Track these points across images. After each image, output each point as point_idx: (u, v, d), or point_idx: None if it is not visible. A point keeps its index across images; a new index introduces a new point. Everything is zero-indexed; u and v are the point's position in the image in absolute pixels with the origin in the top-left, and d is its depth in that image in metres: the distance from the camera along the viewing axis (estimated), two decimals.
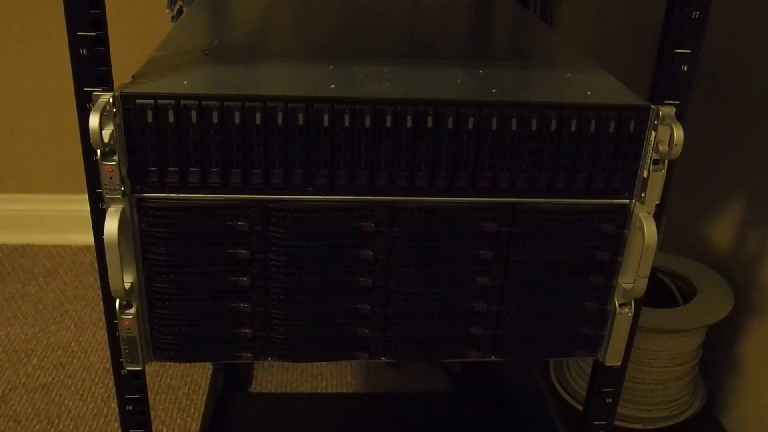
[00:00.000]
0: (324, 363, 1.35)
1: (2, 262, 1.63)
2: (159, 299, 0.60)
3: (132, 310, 0.60)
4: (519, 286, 0.62)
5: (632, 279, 0.62)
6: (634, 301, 0.64)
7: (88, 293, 1.53)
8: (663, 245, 1.08)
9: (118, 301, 0.59)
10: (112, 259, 0.56)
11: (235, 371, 1.31)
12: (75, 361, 1.33)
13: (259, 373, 1.33)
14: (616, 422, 0.90)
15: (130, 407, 0.66)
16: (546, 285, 0.62)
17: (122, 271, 0.57)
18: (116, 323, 0.61)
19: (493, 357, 0.66)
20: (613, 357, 0.66)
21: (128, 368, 0.63)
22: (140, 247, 0.58)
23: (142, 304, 0.60)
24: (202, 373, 1.31)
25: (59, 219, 1.70)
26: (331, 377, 1.33)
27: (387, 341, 0.64)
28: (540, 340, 0.65)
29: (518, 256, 0.61)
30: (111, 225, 0.55)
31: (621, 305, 0.64)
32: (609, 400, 0.71)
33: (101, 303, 0.61)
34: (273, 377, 1.32)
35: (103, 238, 0.55)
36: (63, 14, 0.52)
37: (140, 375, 0.65)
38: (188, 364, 1.33)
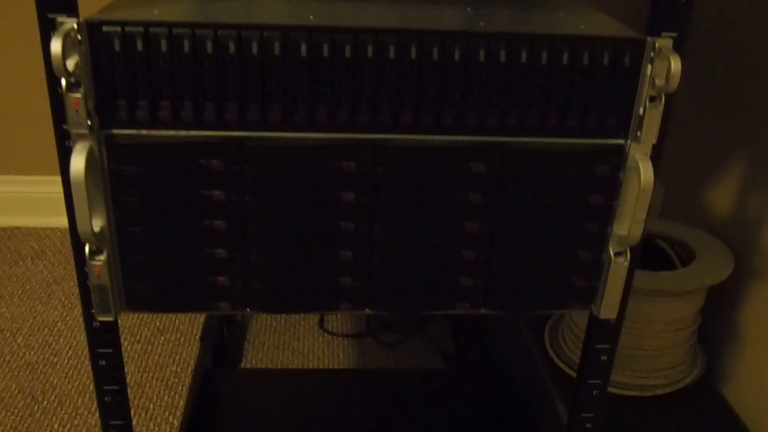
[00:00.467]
0: (315, 341, 1.33)
1: None
2: (130, 244, 0.57)
3: (102, 257, 0.57)
4: (509, 233, 0.59)
5: (628, 225, 0.59)
6: (630, 249, 0.61)
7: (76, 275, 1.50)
8: (662, 214, 1.06)
9: (87, 246, 0.57)
10: (79, 199, 0.53)
11: (224, 349, 1.28)
12: (61, 339, 1.30)
13: (249, 352, 1.30)
14: (612, 389, 0.88)
15: (103, 362, 0.63)
16: (538, 231, 0.60)
17: (90, 214, 0.54)
18: (86, 272, 0.58)
19: (483, 309, 0.63)
20: (608, 309, 0.64)
21: (100, 319, 0.60)
22: (110, 188, 0.55)
23: (113, 250, 0.58)
24: (190, 351, 1.28)
25: (48, 201, 1.68)
26: (322, 356, 1.30)
27: (371, 292, 0.61)
28: (532, 292, 0.62)
29: (508, 199, 0.58)
30: (77, 162, 0.52)
31: (616, 254, 0.61)
32: (604, 358, 0.68)
33: None
34: (263, 356, 1.29)
35: (69, 178, 0.52)
36: None
37: (113, 327, 0.62)
38: (177, 342, 1.30)
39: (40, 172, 1.67)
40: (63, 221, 1.67)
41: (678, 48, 0.54)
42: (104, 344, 0.63)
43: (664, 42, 0.54)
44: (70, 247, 1.58)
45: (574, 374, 0.90)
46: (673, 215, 1.06)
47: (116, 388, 0.65)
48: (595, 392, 0.71)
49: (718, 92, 0.99)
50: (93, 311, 0.60)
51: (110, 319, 0.60)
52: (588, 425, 0.73)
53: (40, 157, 1.66)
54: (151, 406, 1.16)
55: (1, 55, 1.58)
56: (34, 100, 1.62)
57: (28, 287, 1.45)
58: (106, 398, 0.66)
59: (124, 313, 0.60)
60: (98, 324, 0.61)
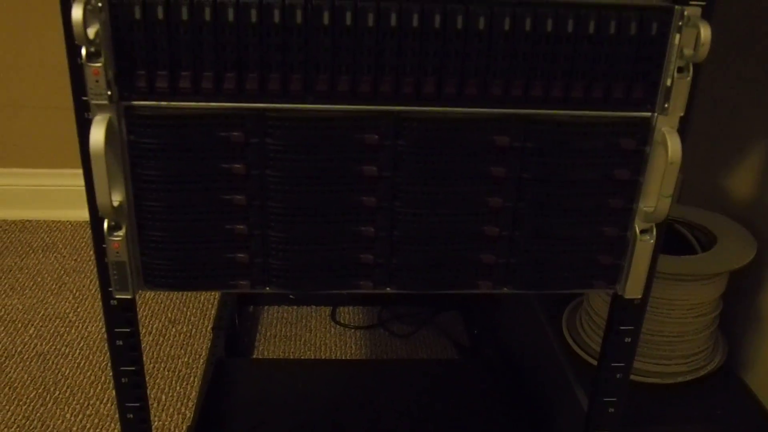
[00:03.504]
0: (327, 333, 1.32)
1: (0, 236, 1.60)
2: (149, 219, 0.56)
3: (121, 233, 0.56)
4: (533, 208, 0.58)
5: (654, 201, 0.58)
6: (656, 227, 0.60)
7: (87, 266, 1.49)
8: (679, 200, 1.04)
9: (106, 222, 0.56)
10: (98, 171, 0.52)
11: (236, 339, 1.27)
12: (73, 330, 1.30)
13: (261, 343, 1.29)
14: (632, 376, 0.86)
15: (120, 342, 0.63)
16: (562, 207, 0.59)
17: (110, 187, 0.53)
18: (104, 248, 0.57)
19: (505, 289, 0.62)
20: (633, 289, 0.62)
21: (118, 297, 0.59)
22: (129, 161, 0.55)
23: (132, 226, 0.57)
24: (202, 342, 1.28)
25: (59, 194, 1.67)
26: (335, 347, 1.29)
27: (392, 269, 0.60)
28: (556, 270, 0.61)
29: (532, 173, 0.57)
30: (97, 134, 0.51)
31: (642, 231, 0.60)
32: (628, 340, 0.67)
33: None
34: (275, 347, 1.28)
35: (89, 152, 0.52)
36: None
37: (131, 306, 0.61)
38: (188, 333, 1.29)
39: (52, 166, 1.67)
40: (74, 214, 1.67)
41: (706, 16, 0.53)
42: (122, 323, 0.62)
43: (692, 10, 0.53)
44: (81, 240, 1.56)
45: (593, 361, 0.89)
46: (691, 201, 1.05)
47: (133, 369, 0.64)
48: (618, 375, 0.69)
49: (737, 74, 0.98)
50: (110, 289, 0.59)
51: (128, 296, 0.59)
52: (610, 410, 0.71)
53: (51, 151, 1.65)
54: (163, 396, 1.15)
55: (13, 48, 1.58)
56: (46, 93, 1.62)
57: (39, 279, 1.45)
58: (123, 379, 0.65)
59: (142, 290, 0.60)
60: (116, 302, 0.61)
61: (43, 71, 1.59)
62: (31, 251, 1.55)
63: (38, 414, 1.10)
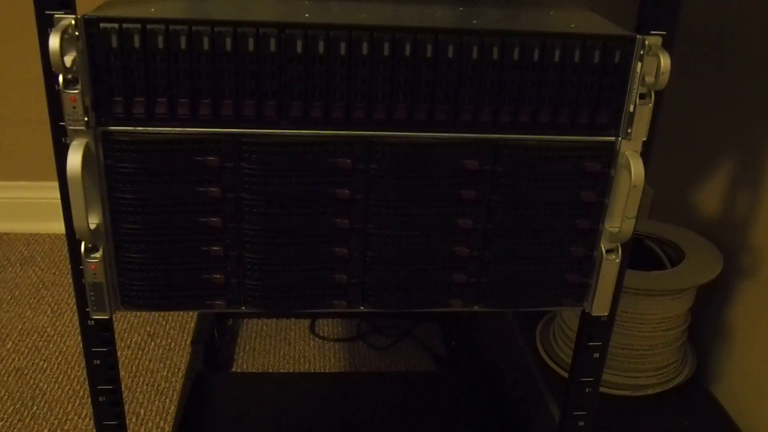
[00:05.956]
0: (306, 346, 1.33)
1: None
2: (126, 241, 0.57)
3: (98, 254, 0.57)
4: (502, 229, 0.60)
5: (619, 222, 0.60)
6: (621, 246, 0.62)
7: (65, 279, 1.49)
8: (651, 216, 1.07)
9: (83, 244, 0.57)
10: (75, 195, 0.53)
11: (215, 353, 1.28)
12: (51, 345, 1.29)
13: (240, 356, 1.30)
14: (603, 389, 0.88)
15: (98, 361, 0.63)
16: (530, 228, 0.60)
17: (87, 211, 0.54)
18: (82, 269, 0.58)
19: (476, 307, 0.64)
20: (600, 306, 0.64)
21: (95, 317, 0.60)
22: (106, 185, 0.56)
23: (109, 248, 0.58)
24: (181, 356, 1.28)
25: (37, 207, 1.67)
26: (314, 360, 1.30)
27: (366, 289, 0.61)
28: (525, 288, 0.63)
29: (501, 196, 0.59)
30: (74, 159, 0.52)
31: (608, 251, 0.62)
32: (596, 355, 0.69)
33: None
34: (254, 360, 1.29)
35: (65, 175, 0.53)
36: None
37: (108, 326, 0.62)
38: (167, 347, 1.30)
39: (29, 178, 1.66)
40: (52, 227, 1.66)
41: (667, 46, 0.55)
42: (99, 343, 0.62)
43: (653, 40, 0.55)
44: (59, 253, 1.55)
45: (565, 374, 0.91)
46: (661, 216, 1.07)
47: (110, 387, 0.65)
48: (587, 390, 0.71)
49: (706, 94, 1.00)
50: (88, 309, 0.60)
51: (105, 317, 0.60)
52: (581, 423, 0.73)
53: (29, 163, 1.65)
54: (142, 411, 1.15)
55: None
56: (23, 106, 1.61)
57: (17, 293, 1.44)
58: (100, 398, 0.66)
59: (119, 311, 0.60)
60: (93, 322, 0.61)
61: (20, 85, 1.59)
62: (8, 264, 1.54)
63: (16, 429, 1.10)
